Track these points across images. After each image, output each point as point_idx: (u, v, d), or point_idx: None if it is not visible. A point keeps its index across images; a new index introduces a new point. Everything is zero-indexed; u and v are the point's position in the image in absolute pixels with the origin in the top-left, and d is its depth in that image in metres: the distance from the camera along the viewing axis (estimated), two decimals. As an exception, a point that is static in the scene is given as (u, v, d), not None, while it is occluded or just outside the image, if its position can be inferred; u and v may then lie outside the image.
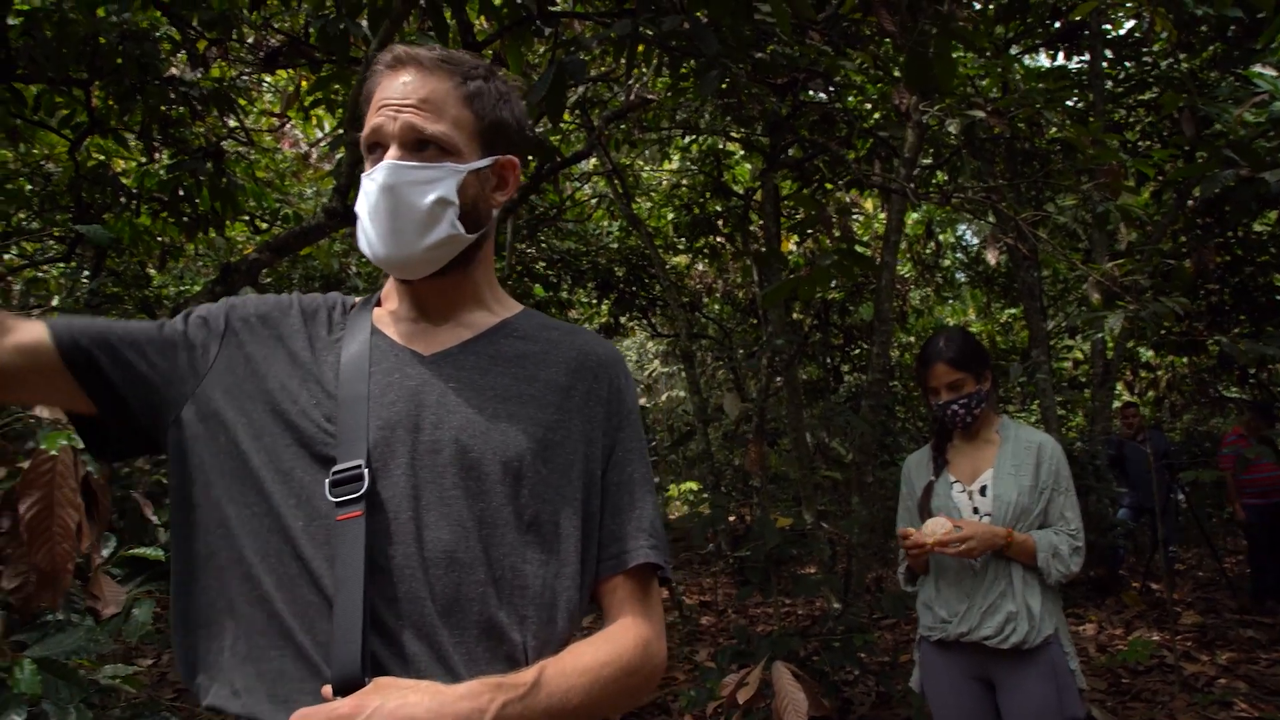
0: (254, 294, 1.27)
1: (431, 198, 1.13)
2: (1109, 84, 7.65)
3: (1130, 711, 4.79)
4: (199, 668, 1.09)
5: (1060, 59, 7.67)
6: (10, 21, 4.19)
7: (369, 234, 1.16)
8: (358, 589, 1.02)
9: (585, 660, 1.08)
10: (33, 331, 1.10)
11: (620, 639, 1.13)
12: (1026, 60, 8.04)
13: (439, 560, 1.06)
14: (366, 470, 1.07)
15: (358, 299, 1.28)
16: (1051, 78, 5.73)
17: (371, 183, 1.15)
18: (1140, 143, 8.12)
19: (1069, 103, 7.11)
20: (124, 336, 1.15)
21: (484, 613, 1.06)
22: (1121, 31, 7.63)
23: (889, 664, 5.30)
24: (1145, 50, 7.55)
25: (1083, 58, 7.59)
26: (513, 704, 0.99)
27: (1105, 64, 7.52)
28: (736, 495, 9.11)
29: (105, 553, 1.98)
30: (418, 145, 1.15)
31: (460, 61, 1.19)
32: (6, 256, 6.68)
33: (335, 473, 1.07)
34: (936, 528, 2.54)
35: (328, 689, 1.00)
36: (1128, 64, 7.73)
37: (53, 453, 1.48)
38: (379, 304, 1.27)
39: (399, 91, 1.15)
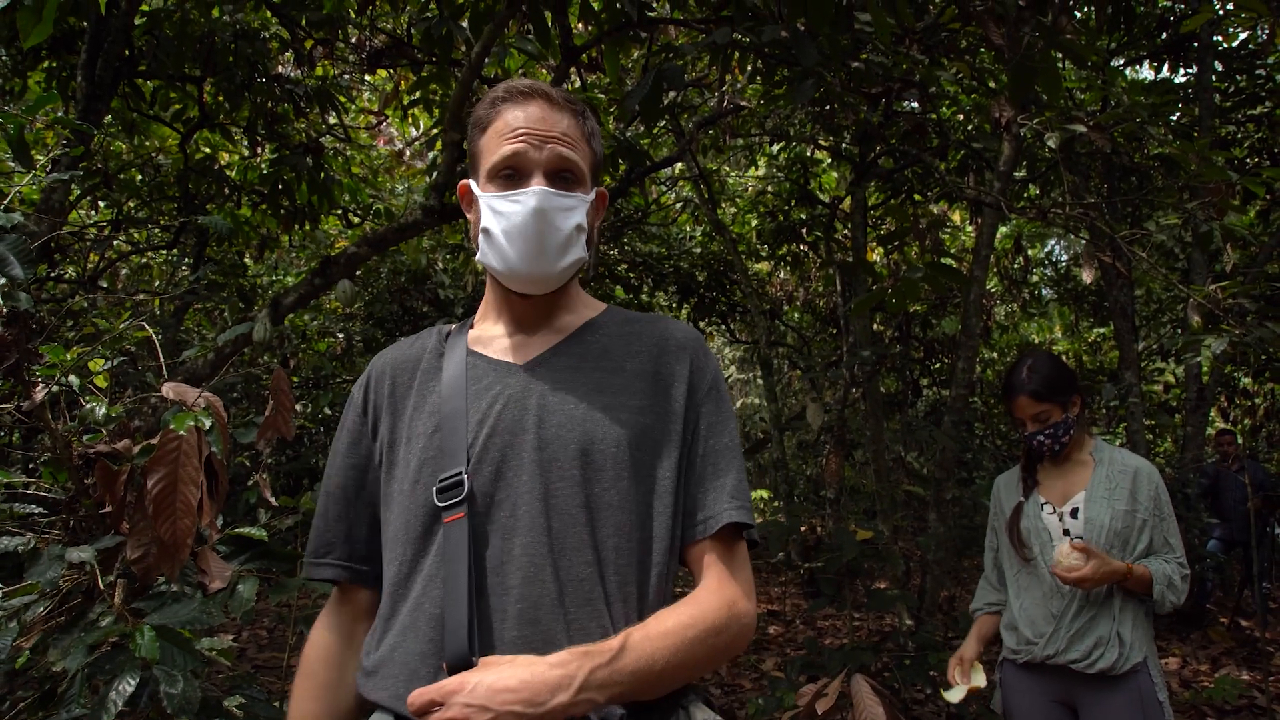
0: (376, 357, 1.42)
1: (572, 223, 1.27)
2: (1217, 98, 7.40)
3: (1217, 750, 4.62)
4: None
5: (1165, 71, 7.44)
6: (135, 22, 4.39)
7: (507, 252, 1.27)
8: (463, 582, 1.14)
9: (668, 624, 1.14)
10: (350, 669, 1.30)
11: (704, 601, 1.19)
12: (1129, 72, 7.81)
13: (554, 547, 1.17)
14: (465, 476, 1.19)
15: (454, 326, 1.42)
16: (1156, 91, 5.56)
17: (518, 205, 1.25)
18: (1249, 160, 7.82)
19: (1173, 117, 6.88)
20: (357, 518, 1.34)
21: (592, 591, 1.16)
22: (1234, 44, 7.37)
23: (962, 685, 5.19)
24: (1260, 62, 7.28)
25: (1189, 70, 7.35)
26: (600, 669, 1.06)
27: (1214, 77, 7.27)
28: (809, 505, 9.04)
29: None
30: (560, 175, 1.27)
31: (572, 98, 1.31)
32: (116, 242, 6.98)
33: (441, 480, 1.21)
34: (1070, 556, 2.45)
35: (445, 667, 1.12)
36: (1239, 77, 7.45)
37: (180, 432, 1.56)
38: (473, 327, 1.39)
39: (540, 123, 1.26)
